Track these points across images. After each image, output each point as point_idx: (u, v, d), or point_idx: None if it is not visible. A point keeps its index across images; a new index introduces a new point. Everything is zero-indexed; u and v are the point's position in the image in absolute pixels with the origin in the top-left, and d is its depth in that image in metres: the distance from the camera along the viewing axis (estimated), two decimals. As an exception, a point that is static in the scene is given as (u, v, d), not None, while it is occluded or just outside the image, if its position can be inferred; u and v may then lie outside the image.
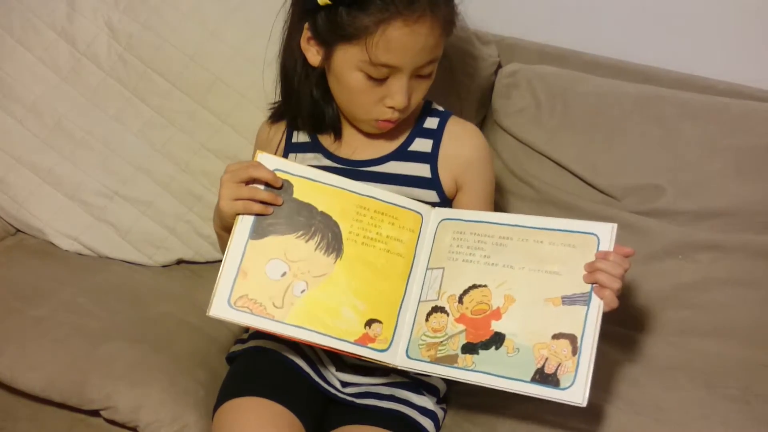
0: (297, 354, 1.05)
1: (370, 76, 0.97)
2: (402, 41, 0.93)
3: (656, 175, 1.26)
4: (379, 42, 0.93)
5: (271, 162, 0.97)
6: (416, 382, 1.08)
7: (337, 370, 1.07)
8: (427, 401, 1.07)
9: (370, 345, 0.94)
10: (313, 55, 1.01)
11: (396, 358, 0.95)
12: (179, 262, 1.36)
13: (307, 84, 1.06)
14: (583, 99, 1.32)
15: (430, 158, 1.07)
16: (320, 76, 1.04)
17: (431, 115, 1.10)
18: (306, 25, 1.00)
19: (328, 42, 0.98)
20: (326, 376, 1.06)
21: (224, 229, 0.99)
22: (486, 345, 0.91)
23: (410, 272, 0.98)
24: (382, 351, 0.94)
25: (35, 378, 1.06)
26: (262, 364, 1.04)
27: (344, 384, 1.07)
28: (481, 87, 1.38)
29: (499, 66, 1.40)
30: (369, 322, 0.95)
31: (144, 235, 1.32)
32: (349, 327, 0.94)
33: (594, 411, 1.07)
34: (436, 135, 1.08)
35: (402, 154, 1.07)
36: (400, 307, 0.96)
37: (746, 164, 1.23)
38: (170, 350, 1.11)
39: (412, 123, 1.09)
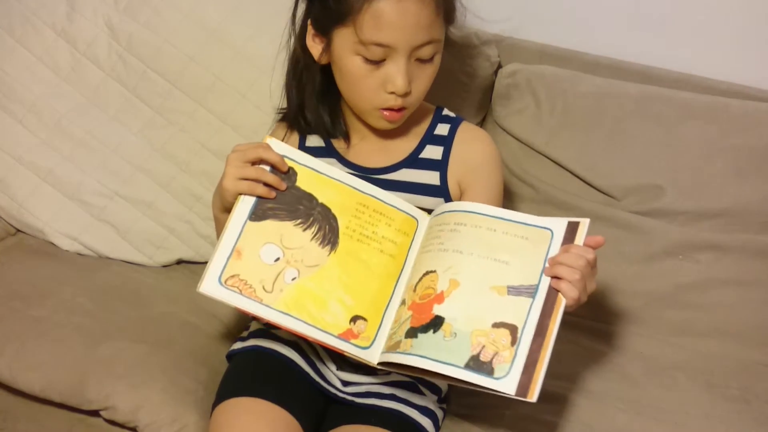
0: (298, 353, 1.05)
1: (367, 59, 0.96)
2: (390, 17, 0.92)
3: (656, 175, 1.26)
4: (367, 19, 0.93)
5: (279, 147, 0.97)
6: (418, 382, 1.07)
7: (338, 369, 1.07)
8: (427, 401, 1.06)
9: (352, 341, 0.93)
10: (318, 51, 1.02)
11: (375, 356, 0.93)
12: (179, 262, 1.36)
13: (310, 82, 1.06)
14: (583, 99, 1.32)
15: (441, 166, 1.06)
16: (321, 72, 1.05)
17: (442, 122, 1.09)
18: (309, 22, 1.01)
19: (325, 30, 0.99)
20: (326, 376, 1.06)
21: (224, 210, 0.99)
22: (425, 328, 0.89)
23: (400, 274, 0.98)
24: (363, 348, 0.93)
25: (35, 378, 1.06)
26: (262, 363, 1.04)
27: (345, 383, 1.07)
28: (481, 87, 1.38)
29: (499, 66, 1.40)
30: (354, 318, 0.94)
31: (144, 235, 1.32)
32: (335, 320, 0.93)
33: (594, 411, 1.07)
34: (446, 142, 1.07)
35: (413, 161, 1.07)
36: (386, 308, 0.96)
37: (746, 164, 1.23)
38: (170, 350, 1.11)
39: (423, 130, 1.09)
